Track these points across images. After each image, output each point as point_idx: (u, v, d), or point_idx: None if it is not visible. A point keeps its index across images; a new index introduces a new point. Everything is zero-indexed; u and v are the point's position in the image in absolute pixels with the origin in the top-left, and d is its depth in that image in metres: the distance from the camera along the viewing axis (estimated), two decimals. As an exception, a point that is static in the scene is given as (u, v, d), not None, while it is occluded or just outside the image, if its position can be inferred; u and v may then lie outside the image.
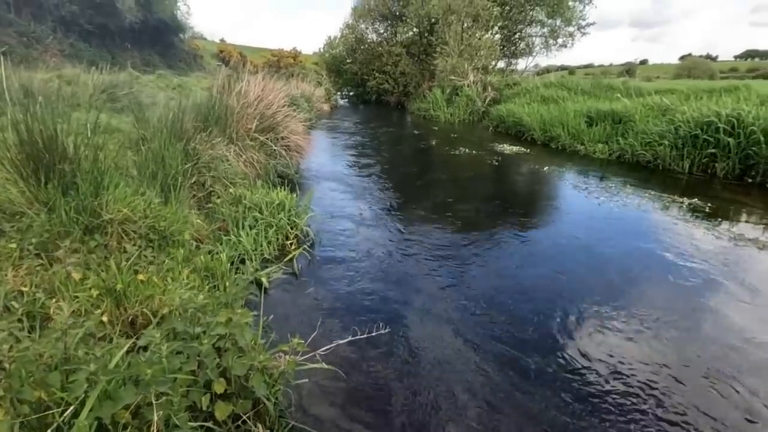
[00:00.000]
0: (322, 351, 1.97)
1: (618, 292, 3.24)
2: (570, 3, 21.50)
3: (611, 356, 2.44)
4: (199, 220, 3.50)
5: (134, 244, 2.82)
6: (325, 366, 1.89)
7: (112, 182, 2.94)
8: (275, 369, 1.87)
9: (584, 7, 21.74)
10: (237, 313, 1.73)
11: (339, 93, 29.88)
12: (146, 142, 4.07)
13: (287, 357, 1.91)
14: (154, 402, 1.20)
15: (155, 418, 1.16)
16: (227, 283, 2.87)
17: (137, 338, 1.60)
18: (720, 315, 2.93)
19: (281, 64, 32.13)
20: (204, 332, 1.69)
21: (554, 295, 3.17)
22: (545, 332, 2.68)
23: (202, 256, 3.01)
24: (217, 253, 3.25)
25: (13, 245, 2.33)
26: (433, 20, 21.08)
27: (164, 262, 2.84)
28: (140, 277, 2.18)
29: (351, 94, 29.95)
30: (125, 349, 1.36)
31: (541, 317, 2.85)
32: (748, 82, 11.08)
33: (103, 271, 2.21)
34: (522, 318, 2.85)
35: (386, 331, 2.18)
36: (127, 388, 1.26)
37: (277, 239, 4.01)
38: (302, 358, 2.02)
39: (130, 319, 2.12)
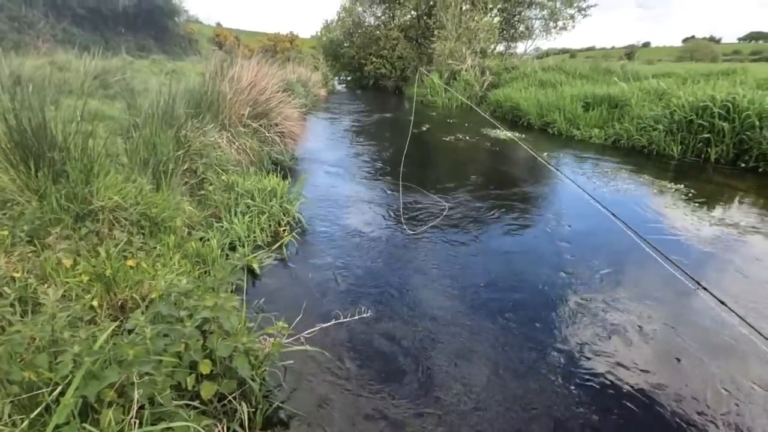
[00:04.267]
0: (306, 334, 2.03)
1: (603, 277, 3.30)
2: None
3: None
4: (190, 207, 3.54)
5: (125, 231, 2.87)
6: (309, 348, 1.95)
7: (102, 170, 2.97)
8: (260, 351, 1.94)
9: (585, -12, 21.31)
10: (221, 297, 1.78)
11: (337, 77, 29.54)
12: (137, 129, 4.08)
13: (272, 339, 1.97)
14: (135, 381, 1.26)
15: (136, 396, 1.21)
16: (217, 269, 2.92)
17: (122, 321, 1.65)
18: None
19: (278, 48, 31.69)
20: (189, 316, 1.74)
21: (544, 287, 3.23)
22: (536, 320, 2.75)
23: (193, 243, 3.06)
24: (209, 239, 3.30)
25: (5, 232, 2.37)
26: (431, 3, 20.74)
27: (155, 248, 2.90)
28: (129, 262, 2.22)
29: (349, 78, 29.65)
30: (109, 331, 1.41)
31: (530, 304, 2.92)
32: (746, 66, 11.01)
33: (93, 257, 2.25)
34: (513, 298, 2.92)
35: (368, 314, 2.23)
36: (111, 368, 1.31)
37: (270, 225, 4.05)
38: (288, 340, 2.09)
39: (119, 303, 2.17)
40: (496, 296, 2.99)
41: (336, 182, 6.06)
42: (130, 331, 1.67)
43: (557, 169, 6.33)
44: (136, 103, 4.96)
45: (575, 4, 21.74)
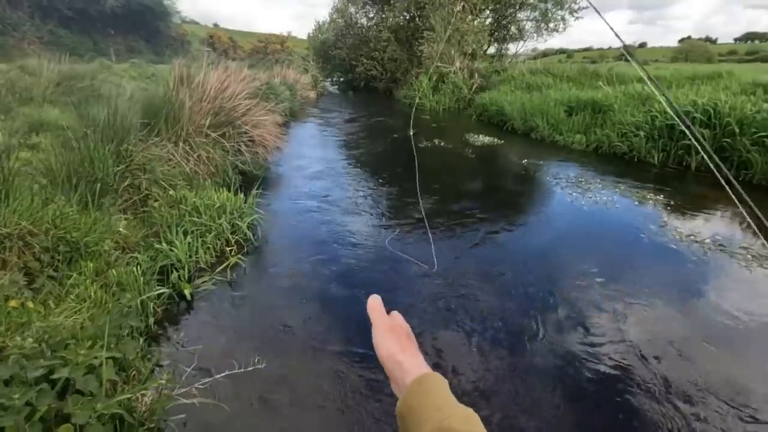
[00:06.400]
0: (199, 384, 1.82)
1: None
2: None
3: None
4: (122, 229, 3.31)
5: (36, 259, 2.66)
6: (197, 402, 1.74)
7: (11, 192, 2.75)
8: (140, 408, 1.73)
9: (576, -10, 21.09)
10: (80, 353, 1.57)
11: (329, 79, 29.37)
12: (78, 143, 3.86)
13: (158, 394, 1.77)
14: None
15: None
16: (138, 300, 2.70)
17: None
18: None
19: (268, 49, 31.45)
20: (45, 375, 1.53)
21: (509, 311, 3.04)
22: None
23: (114, 270, 2.84)
24: (137, 264, 3.08)
25: None
26: (421, 5, 20.51)
27: (70, 276, 2.69)
28: (12, 303, 2.01)
29: (341, 80, 29.47)
30: None
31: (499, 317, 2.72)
32: (731, 69, 10.82)
33: (-30, 297, 2.04)
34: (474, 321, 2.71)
35: (263, 366, 1.98)
36: None
37: (216, 245, 3.84)
38: (185, 389, 1.88)
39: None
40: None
41: (303, 193, 5.85)
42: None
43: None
44: (87, 112, 4.75)
45: (566, 6, 21.56)
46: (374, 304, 0.60)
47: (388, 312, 0.60)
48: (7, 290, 2.09)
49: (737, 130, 6.23)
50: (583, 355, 2.51)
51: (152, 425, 1.76)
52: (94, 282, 2.73)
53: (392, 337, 0.55)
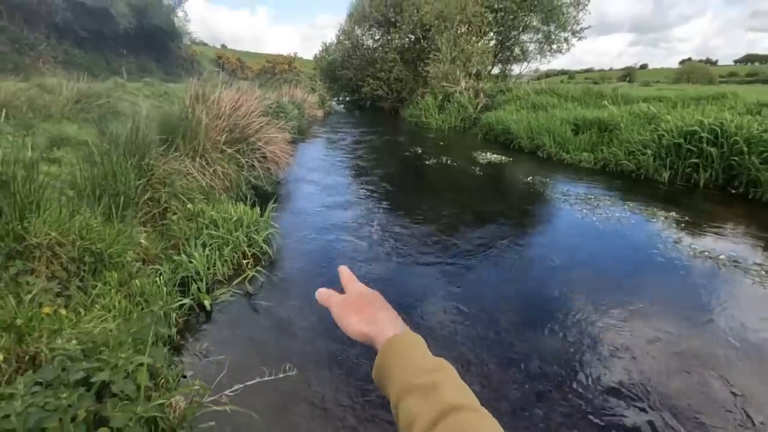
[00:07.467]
0: (230, 392, 1.84)
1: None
2: (564, 9, 21.33)
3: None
4: (143, 240, 3.37)
5: (64, 269, 2.72)
6: (228, 409, 1.76)
7: (42, 204, 2.83)
8: (172, 414, 1.75)
9: (578, 12, 21.60)
10: (121, 357, 1.60)
11: (336, 99, 29.89)
12: (101, 157, 3.97)
13: (188, 400, 1.79)
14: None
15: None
16: (161, 311, 2.74)
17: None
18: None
19: (276, 69, 32.14)
20: (84, 379, 1.57)
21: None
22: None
23: (137, 280, 2.89)
24: (160, 274, 3.13)
25: None
26: (426, 27, 21.01)
27: (95, 286, 2.73)
28: (45, 310, 2.05)
29: (347, 99, 29.97)
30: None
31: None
32: (735, 89, 10.97)
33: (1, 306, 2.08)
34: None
35: (294, 373, 2.01)
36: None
37: (233, 258, 3.89)
38: (213, 397, 1.90)
39: (32, 356, 1.99)
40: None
41: (315, 209, 5.91)
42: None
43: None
44: (107, 128, 4.88)
45: (569, 28, 22.02)
46: (323, 294, 0.58)
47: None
48: (41, 297, 2.13)
49: (745, 149, 6.29)
50: (596, 373, 2.51)
51: (182, 431, 1.78)
52: (118, 292, 2.78)
53: (351, 313, 0.51)
